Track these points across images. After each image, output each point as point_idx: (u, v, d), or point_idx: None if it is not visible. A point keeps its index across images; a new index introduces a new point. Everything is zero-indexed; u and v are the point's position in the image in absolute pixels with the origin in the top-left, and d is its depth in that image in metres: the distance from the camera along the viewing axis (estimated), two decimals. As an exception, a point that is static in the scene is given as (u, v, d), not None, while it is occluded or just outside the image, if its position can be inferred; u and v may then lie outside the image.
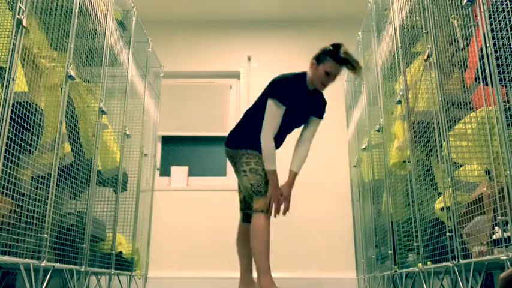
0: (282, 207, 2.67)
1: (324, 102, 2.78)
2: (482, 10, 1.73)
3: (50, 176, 2.26)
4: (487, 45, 1.69)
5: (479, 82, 1.80)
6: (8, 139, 1.84)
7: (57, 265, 2.31)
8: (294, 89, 2.61)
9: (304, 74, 2.67)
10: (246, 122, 2.74)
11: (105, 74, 3.01)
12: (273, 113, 2.55)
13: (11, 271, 2.71)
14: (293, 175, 2.71)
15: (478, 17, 1.77)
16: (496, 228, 1.70)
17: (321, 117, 2.78)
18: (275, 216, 2.64)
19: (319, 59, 2.56)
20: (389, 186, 3.05)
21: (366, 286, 3.88)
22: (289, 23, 5.24)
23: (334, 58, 2.51)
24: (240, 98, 5.02)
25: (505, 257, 1.56)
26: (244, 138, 2.68)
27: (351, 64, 2.51)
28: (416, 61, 2.64)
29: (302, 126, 2.82)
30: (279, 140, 2.79)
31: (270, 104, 2.56)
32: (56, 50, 2.43)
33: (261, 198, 2.58)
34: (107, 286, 3.25)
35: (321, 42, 5.23)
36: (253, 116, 2.71)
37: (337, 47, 2.53)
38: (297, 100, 2.65)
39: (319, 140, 4.73)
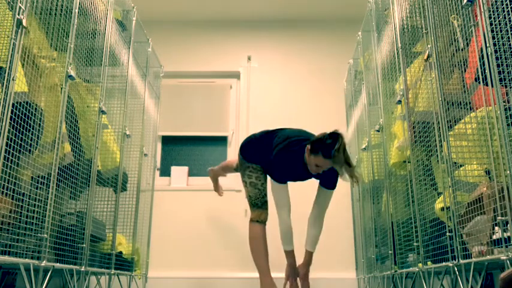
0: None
1: (335, 173, 2.71)
2: (482, 10, 1.73)
3: (50, 176, 2.26)
4: (487, 45, 1.68)
5: (479, 82, 1.80)
6: (8, 139, 1.84)
7: (57, 265, 2.31)
8: (290, 167, 2.69)
9: (304, 147, 2.64)
10: (260, 141, 2.89)
11: (105, 74, 3.01)
12: (277, 190, 2.69)
13: (11, 271, 2.71)
14: (309, 254, 2.85)
15: (478, 17, 1.77)
16: (496, 228, 1.70)
17: (330, 188, 2.79)
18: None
19: (313, 147, 2.53)
20: (389, 186, 3.05)
21: (366, 286, 3.88)
22: (289, 23, 5.24)
23: (324, 155, 2.47)
24: (240, 98, 5.02)
25: (505, 257, 1.56)
26: (254, 154, 2.87)
27: (339, 165, 2.48)
28: (416, 61, 2.64)
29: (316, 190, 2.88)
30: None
31: (273, 184, 2.71)
32: (56, 50, 2.43)
33: (257, 210, 2.81)
34: (107, 286, 3.25)
35: (321, 42, 5.25)
36: (267, 141, 2.84)
37: (333, 139, 2.48)
38: (297, 172, 2.73)
39: (319, 140, 4.73)
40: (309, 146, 2.57)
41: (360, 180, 2.59)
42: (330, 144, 2.46)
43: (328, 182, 2.77)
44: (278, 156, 2.68)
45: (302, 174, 2.76)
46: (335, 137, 2.49)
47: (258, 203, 2.79)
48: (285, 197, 2.67)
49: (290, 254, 2.73)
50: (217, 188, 4.01)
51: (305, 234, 2.94)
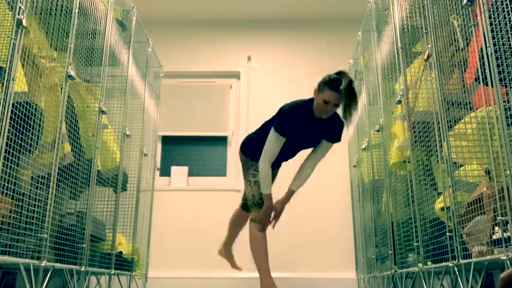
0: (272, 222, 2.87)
1: (341, 125, 2.75)
2: (482, 10, 1.73)
3: (50, 176, 2.26)
4: (487, 45, 1.69)
5: (479, 82, 1.80)
6: (8, 139, 1.84)
7: (57, 265, 2.31)
8: (298, 120, 2.66)
9: (312, 100, 2.65)
10: (260, 136, 2.85)
11: (105, 74, 3.01)
12: (272, 143, 2.67)
13: (11, 271, 2.71)
14: (290, 192, 2.82)
15: (478, 17, 1.77)
16: (496, 228, 1.70)
17: (335, 141, 2.79)
18: (263, 230, 2.82)
19: (319, 86, 2.56)
20: (389, 186, 3.05)
21: (366, 286, 3.88)
22: (289, 23, 5.24)
23: (331, 87, 2.47)
24: (240, 98, 5.02)
25: (505, 257, 1.56)
26: (256, 150, 2.81)
27: (348, 95, 2.45)
28: (416, 61, 2.64)
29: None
30: (288, 156, 2.91)
31: (271, 133, 2.67)
32: (56, 50, 2.43)
33: (258, 210, 2.80)
34: (107, 286, 3.25)
35: (321, 42, 5.25)
36: (267, 132, 2.79)
37: (337, 77, 2.49)
38: (302, 129, 2.70)
39: (319, 140, 4.75)
40: (315, 89, 2.59)
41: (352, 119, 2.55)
42: (336, 79, 2.48)
43: (333, 136, 2.76)
44: (287, 109, 2.67)
45: (309, 131, 2.72)
46: (338, 72, 2.51)
47: (260, 203, 2.80)
48: (275, 152, 2.69)
49: (269, 197, 2.78)
50: (235, 265, 3.46)
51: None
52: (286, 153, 2.86)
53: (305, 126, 2.69)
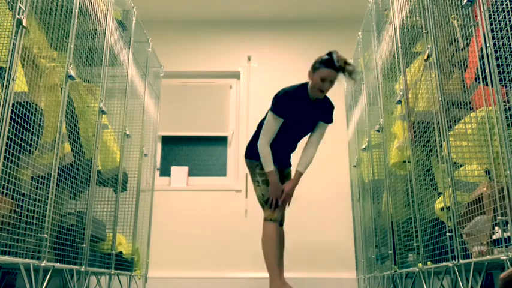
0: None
1: (331, 107, 2.91)
2: (482, 10, 1.73)
3: (50, 176, 2.26)
4: (487, 45, 1.69)
5: (479, 82, 1.81)
6: (8, 139, 1.84)
7: (57, 265, 2.31)
8: (294, 102, 2.77)
9: (306, 84, 2.80)
10: (257, 136, 2.92)
11: (105, 74, 3.01)
12: (270, 124, 2.78)
13: (11, 271, 2.71)
14: (298, 174, 2.89)
15: (478, 17, 1.77)
16: (496, 228, 1.70)
17: (328, 122, 2.91)
18: (274, 210, 2.80)
19: (314, 67, 2.70)
20: (389, 186, 3.05)
21: (366, 286, 3.88)
22: (289, 23, 5.24)
23: (326, 65, 2.63)
24: (240, 98, 5.02)
25: (505, 257, 1.56)
26: (257, 151, 2.87)
27: (344, 69, 2.62)
28: (417, 61, 2.64)
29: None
30: (289, 146, 2.97)
31: (269, 115, 2.80)
32: (56, 50, 2.43)
33: (269, 208, 2.80)
34: (107, 286, 3.25)
35: (321, 42, 5.25)
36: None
37: (330, 54, 2.65)
38: (298, 111, 2.80)
39: (319, 140, 4.75)
40: (309, 70, 2.74)
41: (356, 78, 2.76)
42: (329, 58, 2.63)
43: (327, 117, 2.88)
44: (284, 92, 2.78)
45: (305, 112, 2.81)
46: (329, 52, 2.66)
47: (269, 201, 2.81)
48: (272, 132, 2.78)
49: (272, 173, 2.79)
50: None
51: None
52: (287, 142, 2.91)
53: (301, 107, 2.80)
